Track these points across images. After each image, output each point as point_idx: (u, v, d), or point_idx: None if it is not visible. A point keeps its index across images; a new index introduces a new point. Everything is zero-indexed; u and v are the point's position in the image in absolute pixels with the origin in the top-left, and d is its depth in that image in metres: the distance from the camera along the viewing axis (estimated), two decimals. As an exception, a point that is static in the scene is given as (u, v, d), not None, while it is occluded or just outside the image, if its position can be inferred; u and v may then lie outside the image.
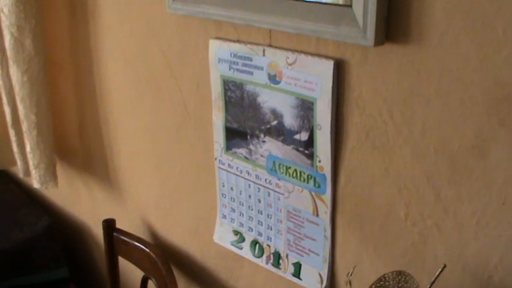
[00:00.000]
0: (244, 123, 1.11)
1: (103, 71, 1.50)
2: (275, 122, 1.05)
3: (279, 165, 1.07)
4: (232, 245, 1.24)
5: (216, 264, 1.35)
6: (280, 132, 1.05)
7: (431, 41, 0.81)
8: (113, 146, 1.57)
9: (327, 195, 1.02)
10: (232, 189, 1.20)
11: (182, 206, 1.40)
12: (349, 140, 0.96)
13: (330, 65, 0.93)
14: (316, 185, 1.02)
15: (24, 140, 1.63)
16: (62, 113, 1.72)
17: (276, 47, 1.01)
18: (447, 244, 0.88)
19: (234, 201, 1.21)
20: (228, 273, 1.31)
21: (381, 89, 0.89)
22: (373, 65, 0.89)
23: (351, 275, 0.90)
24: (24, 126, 1.60)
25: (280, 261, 1.14)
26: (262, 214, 1.15)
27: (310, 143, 1.00)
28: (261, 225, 1.16)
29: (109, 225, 1.52)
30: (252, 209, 1.17)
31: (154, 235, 1.53)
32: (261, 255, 1.18)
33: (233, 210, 1.22)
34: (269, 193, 1.12)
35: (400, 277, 0.85)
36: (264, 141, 1.09)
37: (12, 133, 1.69)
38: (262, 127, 1.08)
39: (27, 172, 1.72)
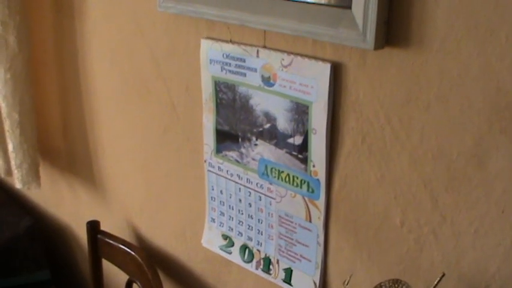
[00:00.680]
0: (235, 126, 1.10)
1: (89, 70, 1.48)
2: (268, 125, 1.04)
3: (271, 169, 1.06)
4: (221, 249, 1.23)
5: (203, 268, 1.34)
6: (273, 136, 1.04)
7: (432, 46, 0.80)
8: (98, 147, 1.56)
9: (321, 201, 1.01)
10: (222, 192, 1.19)
11: (169, 208, 1.39)
12: (344, 145, 0.96)
13: (326, 67, 0.92)
14: (310, 190, 1.01)
15: (7, 139, 1.60)
16: (46, 112, 1.69)
17: (270, 49, 1.00)
18: (444, 252, 0.87)
19: (223, 204, 1.20)
20: (216, 278, 1.30)
21: (378, 94, 0.88)
22: (372, 69, 0.88)
23: (347, 283, 0.89)
24: (7, 125, 1.57)
25: (271, 266, 1.13)
26: (252, 219, 1.14)
27: (304, 147, 0.99)
28: (251, 230, 1.15)
29: (93, 227, 1.50)
30: (242, 213, 1.16)
31: (139, 238, 1.52)
32: (251, 260, 1.17)
33: (222, 214, 1.21)
34: (260, 197, 1.11)
35: (396, 285, 0.84)
36: (256, 145, 1.08)
37: (-7, 132, 1.66)
38: (255, 130, 1.07)
39: (8, 172, 1.69)
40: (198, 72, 1.14)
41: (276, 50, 0.99)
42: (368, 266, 0.98)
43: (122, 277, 1.48)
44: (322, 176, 0.99)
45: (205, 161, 1.20)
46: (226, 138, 1.13)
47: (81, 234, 1.71)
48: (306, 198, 1.03)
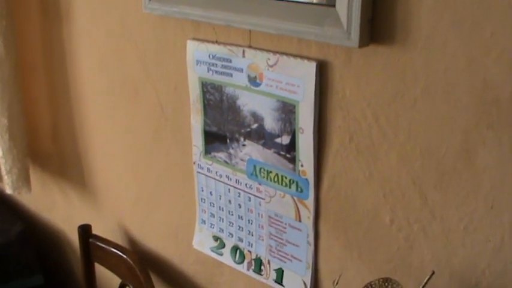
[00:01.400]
0: (223, 127, 1.10)
1: (77, 73, 1.47)
2: (255, 125, 1.04)
3: (260, 169, 1.06)
4: (212, 251, 1.22)
5: (195, 270, 1.33)
6: (261, 136, 1.03)
7: (418, 42, 0.79)
8: (88, 150, 1.55)
9: (310, 200, 1.00)
10: (211, 194, 1.18)
11: (160, 211, 1.38)
12: (332, 144, 0.95)
13: (312, 66, 0.91)
14: (299, 189, 1.01)
15: (-4, 144, 1.58)
16: (35, 116, 1.68)
17: (256, 48, 0.99)
18: (434, 249, 0.87)
19: (213, 206, 1.19)
20: (208, 280, 1.30)
21: (365, 91, 0.88)
22: (357, 67, 0.87)
23: (337, 283, 0.88)
24: (-4, 130, 1.56)
25: (262, 267, 1.12)
26: (242, 219, 1.14)
27: (292, 147, 0.99)
28: (242, 230, 1.15)
29: (85, 231, 1.49)
30: (232, 214, 1.16)
31: (131, 241, 1.51)
32: (242, 261, 1.16)
33: (213, 215, 1.20)
34: (250, 198, 1.10)
35: (387, 284, 0.83)
36: (244, 145, 1.07)
37: (-17, 137, 1.64)
38: (242, 130, 1.06)
39: (-1, 177, 1.67)
40: (185, 74, 1.14)
41: (262, 50, 0.98)
42: (358, 264, 0.97)
43: (115, 281, 1.47)
44: (310, 175, 0.98)
45: (194, 163, 1.19)
46: (214, 139, 1.13)
47: (73, 238, 1.70)
48: (295, 198, 1.02)
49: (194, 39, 1.10)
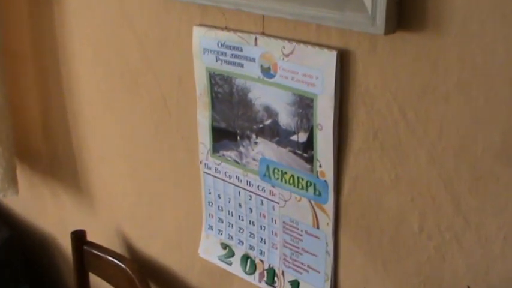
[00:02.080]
0: (233, 123, 1.10)
1: (70, 62, 1.48)
2: (269, 121, 1.04)
3: (274, 170, 1.06)
4: (220, 260, 1.23)
5: (201, 281, 1.33)
6: (275, 133, 1.04)
7: (452, 29, 0.79)
8: (83, 148, 1.55)
9: (329, 205, 1.00)
10: (219, 197, 1.19)
11: (162, 215, 1.38)
12: (354, 142, 0.95)
13: (332, 56, 0.91)
14: (317, 192, 1.01)
15: (-20, 141, 1.59)
16: (24, 110, 1.69)
17: (270, 36, 0.99)
18: (469, 261, 0.87)
19: (222, 210, 1.20)
20: (215, 292, 1.30)
21: (391, 84, 0.88)
22: (383, 56, 0.87)
23: (360, 297, 0.88)
24: (-20, 126, 1.56)
25: (275, 278, 1.13)
26: (254, 225, 1.14)
27: (309, 145, 0.99)
28: (253, 237, 1.15)
29: (78, 238, 1.50)
30: (242, 220, 1.16)
31: (130, 248, 1.52)
32: (253, 272, 1.17)
33: (221, 220, 1.20)
34: (262, 201, 1.11)
35: (415, 299, 0.83)
36: (256, 143, 1.08)
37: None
38: (254, 127, 1.07)
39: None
40: (191, 64, 1.14)
41: (276, 37, 0.98)
42: (383, 277, 0.97)
43: (111, 292, 1.48)
44: (329, 177, 0.99)
45: (201, 162, 1.20)
46: (223, 137, 1.13)
47: (65, 245, 1.71)
48: (313, 202, 1.02)
49: (201, 25, 1.10)
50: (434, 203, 0.88)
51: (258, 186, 1.10)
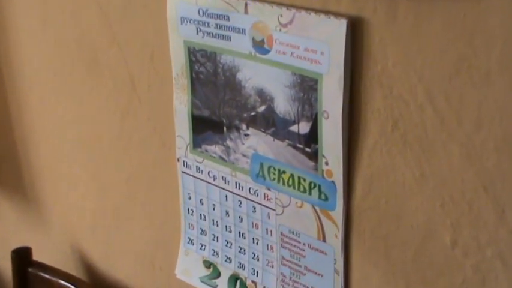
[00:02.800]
0: (218, 110, 1.10)
1: (12, 36, 1.48)
2: (262, 108, 1.04)
3: (269, 168, 1.06)
4: (203, 282, 1.23)
5: (179, 308, 1.34)
6: (270, 122, 1.04)
7: (492, -10, 0.79)
8: (29, 144, 1.56)
9: (338, 212, 1.00)
10: (202, 202, 1.19)
11: (131, 228, 1.39)
12: (369, 134, 0.95)
13: (341, 25, 0.91)
14: (322, 196, 1.01)
15: None
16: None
17: (263, 1, 0.99)
18: (516, 283, 0.87)
19: (204, 219, 1.20)
20: (197, 322, 1.30)
21: (415, 61, 0.87)
22: (405, 26, 0.87)
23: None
24: None
25: (271, 304, 1.14)
26: (245, 238, 1.15)
27: (312, 138, 0.99)
28: (244, 253, 1.15)
29: (21, 257, 1.51)
30: (230, 231, 1.16)
31: (89, 270, 1.52)
32: (244, 297, 1.18)
33: (203, 232, 1.21)
34: (255, 208, 1.11)
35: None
36: (247, 135, 1.08)
37: None
38: (245, 115, 1.07)
39: None
40: (165, 36, 1.14)
41: (271, 3, 0.98)
42: (406, 302, 0.98)
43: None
44: (338, 177, 0.98)
45: (178, 160, 1.20)
46: (206, 127, 1.13)
47: (5, 266, 1.69)
48: (317, 209, 1.02)
49: (177, -13, 1.10)
50: (471, 210, 0.88)
51: (250, 189, 1.10)
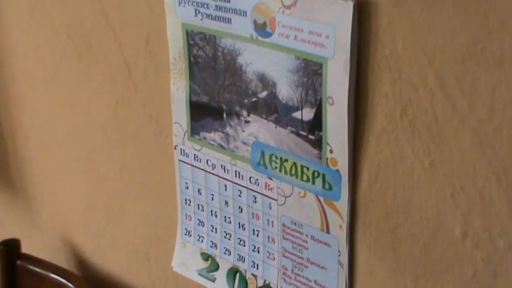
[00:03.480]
0: (218, 96, 1.10)
1: None
2: (264, 94, 1.04)
3: (271, 156, 1.06)
4: (201, 275, 1.23)
5: (175, 303, 1.34)
6: (272, 109, 1.04)
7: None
8: (18, 133, 1.56)
9: (342, 202, 1.00)
10: (200, 192, 1.19)
11: (125, 219, 1.39)
12: (376, 120, 0.95)
13: (348, 7, 0.91)
14: (326, 186, 1.01)
15: None
16: None
17: (266, -19, 0.99)
18: (528, 277, 0.87)
19: (202, 210, 1.20)
20: (194, 317, 1.30)
21: (425, 43, 0.87)
22: (415, 7, 0.86)
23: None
24: None
25: (272, 299, 1.14)
26: (245, 229, 1.14)
27: (317, 125, 0.99)
28: (244, 245, 1.15)
29: (10, 249, 1.51)
30: (229, 222, 1.16)
31: (81, 263, 1.52)
32: (244, 291, 1.18)
33: (201, 223, 1.21)
34: (255, 198, 1.11)
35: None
36: (247, 122, 1.08)
37: None
38: (246, 101, 1.07)
39: None
40: (162, 19, 1.13)
41: (274, -17, 0.98)
42: (414, 296, 0.98)
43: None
44: (343, 165, 0.98)
45: (175, 148, 1.20)
46: (204, 114, 1.13)
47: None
48: (321, 199, 1.02)
49: (175, -33, 1.10)
50: (483, 201, 0.87)
51: (250, 178, 1.10)
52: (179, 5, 1.09)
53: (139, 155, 1.30)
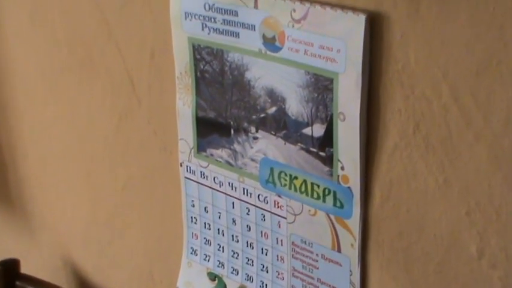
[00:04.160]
0: (225, 112, 1.10)
1: None
2: (273, 109, 1.04)
3: (280, 173, 1.06)
4: None
5: (180, 325, 1.33)
6: (282, 125, 1.04)
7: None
8: (17, 148, 1.56)
9: (354, 220, 1.00)
10: (206, 210, 1.19)
11: (127, 238, 1.39)
12: (388, 136, 0.95)
13: (360, 21, 0.91)
14: (337, 203, 1.01)
15: None
16: None
17: (275, -6, 0.99)
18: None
19: (209, 228, 1.20)
20: None
21: (439, 57, 0.87)
22: (428, 20, 0.86)
23: None
24: None
25: (281, 320, 1.14)
26: (253, 248, 1.15)
27: (327, 141, 0.99)
28: (252, 265, 1.16)
29: (8, 269, 1.50)
30: (237, 241, 1.16)
31: (82, 283, 1.52)
32: (252, 312, 1.18)
33: (208, 242, 1.21)
34: (264, 216, 1.11)
35: None
36: (256, 138, 1.08)
37: None
38: (254, 117, 1.07)
39: None
40: (167, 32, 1.14)
41: (284, -4, 0.98)
42: (428, 318, 0.98)
43: None
44: (355, 183, 0.98)
45: (181, 165, 1.20)
46: (211, 130, 1.13)
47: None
48: (332, 217, 1.02)
49: (181, -20, 1.10)
50: (499, 218, 0.87)
51: (259, 196, 1.10)
52: (186, 18, 1.09)
53: (143, 171, 1.30)
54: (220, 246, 1.19)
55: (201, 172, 1.17)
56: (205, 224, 1.20)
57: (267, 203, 1.09)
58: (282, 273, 1.11)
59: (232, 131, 1.10)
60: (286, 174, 1.05)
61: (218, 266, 1.20)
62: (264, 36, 1.01)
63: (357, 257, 1.01)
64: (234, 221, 1.15)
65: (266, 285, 1.14)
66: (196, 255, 1.23)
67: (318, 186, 1.02)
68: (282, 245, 1.10)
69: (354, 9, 0.91)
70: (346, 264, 1.03)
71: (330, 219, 1.03)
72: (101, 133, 1.35)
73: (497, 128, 0.85)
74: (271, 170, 1.07)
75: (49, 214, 1.55)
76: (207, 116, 1.13)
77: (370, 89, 0.94)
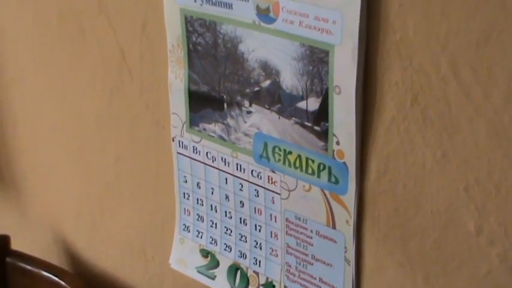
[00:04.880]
0: (218, 85, 1.10)
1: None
2: (267, 83, 1.04)
3: (274, 148, 1.06)
4: (200, 272, 1.24)
5: (172, 302, 1.35)
6: (276, 99, 1.03)
7: None
8: (5, 122, 1.56)
9: (349, 196, 1.00)
10: (199, 186, 1.19)
11: (119, 214, 1.39)
12: (385, 110, 0.94)
13: None
14: (332, 179, 1.01)
15: None
16: None
17: (269, -36, 0.99)
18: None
19: (202, 204, 1.20)
20: (192, 317, 1.31)
21: (438, 28, 0.86)
22: (428, -11, 0.86)
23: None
24: None
25: (275, 297, 1.14)
26: (246, 225, 1.14)
27: (323, 115, 0.99)
28: (245, 241, 1.16)
29: None
30: (230, 217, 1.16)
31: (73, 259, 1.53)
32: (245, 289, 1.18)
33: (201, 218, 1.21)
34: (257, 192, 1.11)
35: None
36: (249, 112, 1.08)
37: None
38: (247, 90, 1.06)
39: None
40: (159, 4, 1.13)
41: (279, -35, 0.97)
42: (425, 294, 0.98)
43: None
44: (350, 157, 0.98)
45: (173, 139, 1.20)
46: (204, 104, 1.13)
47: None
48: (327, 193, 1.02)
49: (173, -50, 1.10)
50: (498, 194, 0.87)
51: (252, 172, 1.10)
52: (177, -11, 1.09)
53: (134, 146, 1.30)
54: (213, 223, 1.19)
55: (193, 147, 1.17)
56: (197, 200, 1.20)
57: (261, 178, 1.09)
58: (275, 250, 1.12)
59: (225, 105, 1.10)
60: (280, 149, 1.05)
61: (211, 243, 1.21)
62: (257, 7, 1.00)
63: (352, 233, 1.01)
64: (227, 197, 1.15)
65: (260, 262, 1.14)
66: (189, 231, 1.23)
67: (313, 161, 1.02)
68: (275, 221, 1.10)
69: (351, -22, 0.91)
70: (340, 240, 1.03)
71: (325, 195, 1.02)
72: (92, 107, 1.35)
73: (498, 102, 0.84)
74: (265, 144, 1.07)
75: (40, 190, 1.56)
76: (200, 89, 1.13)
77: (366, 61, 0.93)
